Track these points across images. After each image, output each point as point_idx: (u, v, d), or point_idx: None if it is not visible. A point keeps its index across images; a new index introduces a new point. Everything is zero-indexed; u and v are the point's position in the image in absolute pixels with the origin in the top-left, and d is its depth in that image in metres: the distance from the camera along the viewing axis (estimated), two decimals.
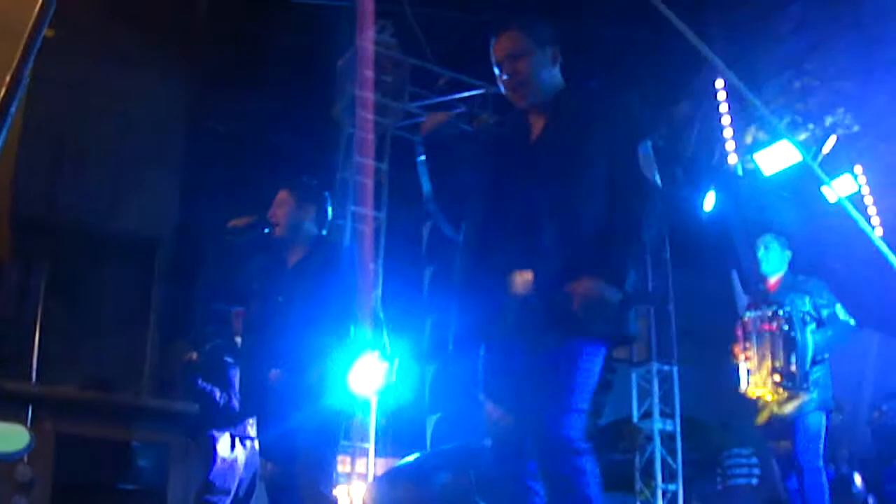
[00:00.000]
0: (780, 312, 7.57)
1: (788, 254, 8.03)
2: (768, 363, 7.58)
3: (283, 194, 5.55)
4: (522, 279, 3.88)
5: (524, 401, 3.87)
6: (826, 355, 7.65)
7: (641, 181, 3.79)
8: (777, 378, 7.53)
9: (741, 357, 7.79)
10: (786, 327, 7.50)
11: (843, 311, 7.71)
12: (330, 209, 5.79)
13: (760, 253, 7.99)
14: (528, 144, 4.05)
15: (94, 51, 16.42)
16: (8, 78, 3.18)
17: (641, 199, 3.81)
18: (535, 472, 3.87)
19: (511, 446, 3.91)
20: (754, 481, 12.79)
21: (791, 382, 7.48)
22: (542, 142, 4.05)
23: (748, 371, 7.74)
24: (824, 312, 7.70)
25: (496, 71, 4.16)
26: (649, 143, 3.91)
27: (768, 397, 7.66)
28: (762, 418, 7.87)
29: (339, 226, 12.36)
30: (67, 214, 16.71)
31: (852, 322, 7.68)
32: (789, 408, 7.58)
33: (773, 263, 7.95)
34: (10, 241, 8.28)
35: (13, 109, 3.12)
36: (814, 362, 7.55)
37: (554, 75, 4.11)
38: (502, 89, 4.18)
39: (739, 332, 7.85)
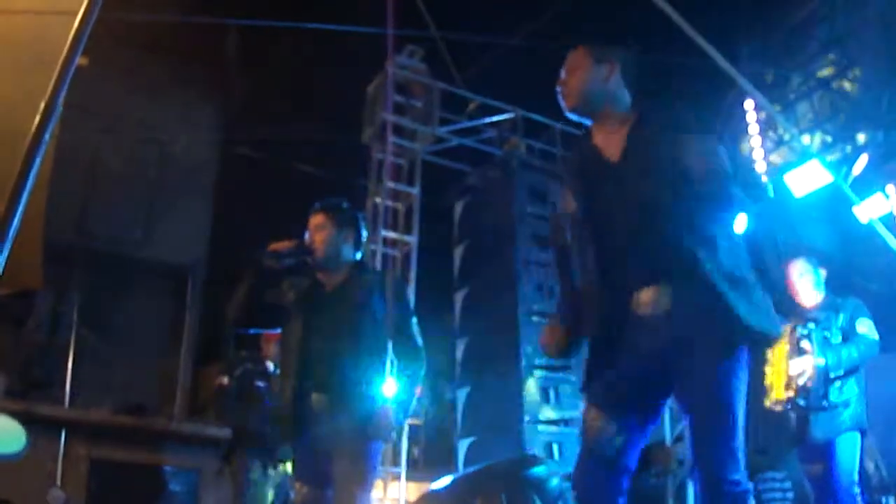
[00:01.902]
0: (802, 330, 7.50)
1: (823, 272, 7.94)
2: (784, 378, 7.52)
3: (318, 218, 5.50)
4: (648, 297, 3.93)
5: (630, 416, 3.96)
6: (853, 372, 7.54)
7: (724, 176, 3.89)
8: (791, 393, 7.48)
9: (767, 373, 7.74)
10: (804, 343, 7.44)
11: (863, 326, 7.57)
12: (365, 231, 5.78)
13: (797, 280, 7.87)
14: (612, 165, 4.13)
15: (127, 80, 16.55)
16: (42, 106, 3.22)
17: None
18: (626, 489, 3.91)
19: (601, 457, 3.91)
20: None
21: (805, 400, 7.42)
22: (625, 160, 4.13)
23: (769, 385, 7.69)
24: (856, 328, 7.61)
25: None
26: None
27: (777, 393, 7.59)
28: (771, 400, 7.76)
29: (370, 250, 12.41)
30: (100, 242, 16.81)
31: (873, 337, 7.55)
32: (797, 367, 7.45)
33: (811, 288, 7.85)
34: (42, 268, 8.32)
35: (47, 136, 3.16)
36: (837, 378, 7.45)
37: (608, 90, 4.24)
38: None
39: (769, 350, 7.80)
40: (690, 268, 3.81)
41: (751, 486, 3.77)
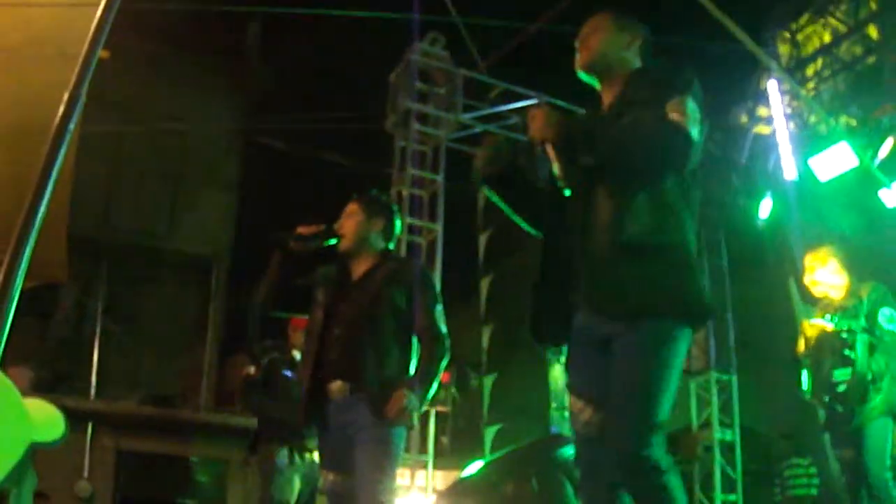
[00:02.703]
0: (845, 335, 7.42)
1: (846, 259, 7.86)
2: (824, 376, 7.46)
3: (352, 206, 5.52)
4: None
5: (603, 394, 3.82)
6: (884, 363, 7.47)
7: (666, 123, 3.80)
8: (827, 398, 7.43)
9: (803, 361, 7.67)
10: (848, 352, 7.36)
11: (884, 318, 7.48)
12: (398, 223, 5.77)
13: (822, 269, 7.79)
14: (599, 117, 4.12)
15: (149, 72, 16.58)
16: (65, 98, 3.20)
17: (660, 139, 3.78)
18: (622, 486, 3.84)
19: (596, 442, 3.87)
20: (814, 492, 12.54)
21: (843, 406, 7.37)
22: (608, 114, 4.10)
23: (807, 375, 7.63)
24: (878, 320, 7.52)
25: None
26: (694, 104, 3.91)
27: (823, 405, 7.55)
28: (810, 396, 7.71)
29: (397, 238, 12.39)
30: (124, 234, 16.88)
31: (892, 331, 7.45)
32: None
33: (836, 275, 7.77)
34: (68, 261, 8.32)
35: (71, 127, 3.15)
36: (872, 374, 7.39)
37: (624, 57, 4.20)
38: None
39: (802, 336, 7.74)
40: (599, 241, 3.77)
41: (668, 463, 3.64)
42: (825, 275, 7.69)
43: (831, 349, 7.43)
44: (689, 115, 3.73)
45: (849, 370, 7.31)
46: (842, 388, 7.32)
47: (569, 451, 9.28)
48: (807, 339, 7.65)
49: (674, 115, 3.73)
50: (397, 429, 5.14)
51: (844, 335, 7.37)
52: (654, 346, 3.69)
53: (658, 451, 3.62)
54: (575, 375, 4.03)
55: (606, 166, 3.84)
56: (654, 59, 4.25)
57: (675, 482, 3.66)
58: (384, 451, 5.09)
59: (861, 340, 7.30)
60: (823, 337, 7.52)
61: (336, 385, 5.16)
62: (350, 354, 5.15)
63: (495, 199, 4.31)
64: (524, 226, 4.36)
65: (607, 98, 4.18)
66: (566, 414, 12.57)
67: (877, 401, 7.25)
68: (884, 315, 7.33)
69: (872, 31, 12.68)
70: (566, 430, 12.46)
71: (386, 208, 5.69)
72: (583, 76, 4.27)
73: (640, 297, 3.68)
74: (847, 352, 7.33)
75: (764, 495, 13.52)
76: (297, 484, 8.43)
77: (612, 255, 3.72)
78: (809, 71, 13.54)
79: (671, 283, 3.72)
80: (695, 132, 3.72)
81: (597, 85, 4.25)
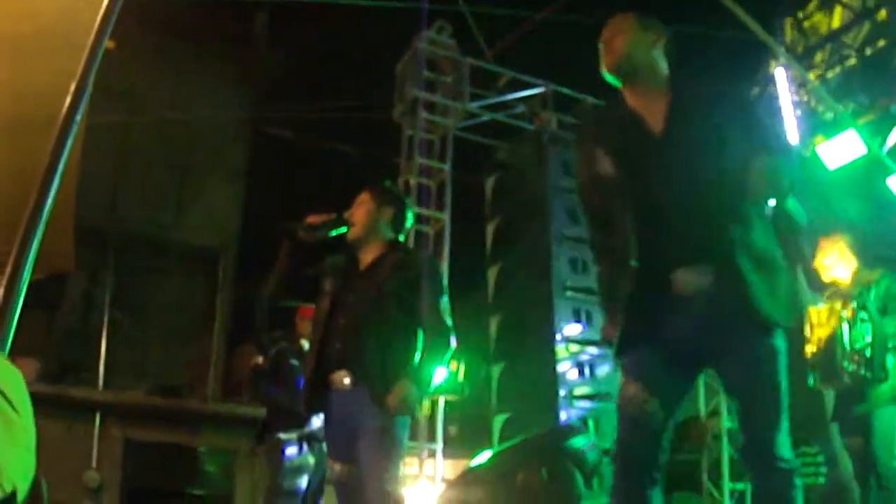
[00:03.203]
0: (853, 303, 7.43)
1: (856, 249, 7.87)
2: (839, 350, 7.46)
3: (363, 195, 5.52)
4: (688, 276, 3.93)
5: (673, 395, 4.00)
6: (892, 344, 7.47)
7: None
8: (854, 366, 7.41)
9: (808, 348, 7.68)
10: (862, 314, 7.37)
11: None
12: (410, 215, 5.76)
13: (832, 255, 7.81)
14: (655, 137, 4.11)
15: (155, 62, 16.57)
16: (72, 87, 3.19)
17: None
18: (657, 480, 3.91)
19: (645, 429, 3.93)
20: (822, 480, 12.51)
21: (870, 370, 7.35)
22: (669, 133, 4.11)
23: (814, 362, 7.63)
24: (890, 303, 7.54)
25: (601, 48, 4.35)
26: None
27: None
28: (813, 346, 7.70)
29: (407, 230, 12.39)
30: (131, 225, 16.88)
31: None
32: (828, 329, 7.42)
33: (845, 262, 7.79)
34: (74, 252, 8.31)
35: (78, 118, 3.13)
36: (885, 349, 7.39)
37: (651, 57, 4.24)
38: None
39: (808, 323, 7.75)
40: (728, 248, 3.83)
41: (798, 464, 3.84)
42: (834, 260, 7.70)
43: (841, 319, 7.44)
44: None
45: (867, 328, 7.32)
46: (868, 351, 7.32)
47: (579, 442, 9.27)
48: (812, 326, 7.65)
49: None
50: (401, 418, 5.14)
51: (854, 303, 7.39)
52: (782, 353, 3.90)
53: (791, 453, 3.84)
54: (646, 368, 4.03)
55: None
56: (681, 67, 4.30)
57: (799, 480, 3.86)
58: (388, 441, 5.09)
59: (871, 305, 7.33)
60: (832, 315, 7.52)
61: (339, 375, 5.17)
62: (354, 344, 5.15)
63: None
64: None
65: (644, 105, 4.19)
66: (574, 402, 12.59)
67: (884, 388, 7.26)
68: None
69: (881, 17, 12.63)
70: (573, 419, 12.46)
71: (397, 199, 5.69)
72: (608, 77, 4.29)
73: (776, 309, 3.86)
74: (862, 314, 7.34)
75: None
76: (306, 472, 8.43)
77: (747, 266, 3.84)
78: (817, 58, 13.50)
79: (790, 294, 3.97)
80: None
81: (619, 85, 4.27)
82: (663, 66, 4.26)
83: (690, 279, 3.92)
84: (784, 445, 3.80)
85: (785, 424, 3.83)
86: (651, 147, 4.09)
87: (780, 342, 3.87)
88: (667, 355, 3.96)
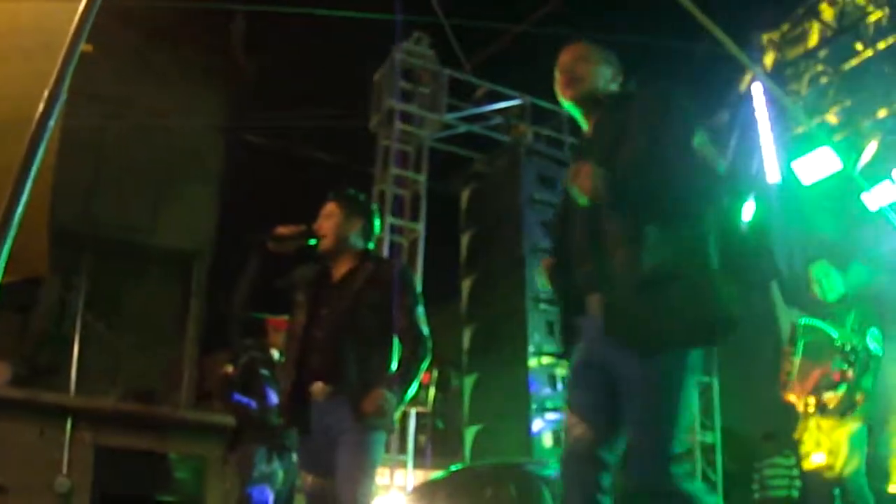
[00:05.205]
0: (848, 354, 7.52)
1: (843, 273, 7.96)
2: (814, 380, 7.54)
3: (330, 206, 5.50)
4: (593, 301, 3.92)
5: (602, 417, 3.89)
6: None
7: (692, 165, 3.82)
8: (813, 402, 7.51)
9: (787, 360, 7.75)
10: (848, 373, 7.46)
11: (873, 340, 7.58)
12: (377, 223, 5.75)
13: (822, 282, 7.87)
14: (581, 147, 4.14)
15: (133, 67, 16.53)
16: (46, 93, 3.18)
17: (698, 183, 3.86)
18: (608, 487, 3.86)
19: (584, 457, 3.91)
20: (795, 493, 12.48)
21: (822, 412, 7.46)
22: (588, 146, 4.14)
23: (789, 375, 7.70)
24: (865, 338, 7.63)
25: (557, 76, 4.26)
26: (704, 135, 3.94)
27: (803, 407, 7.63)
28: (801, 433, 7.79)
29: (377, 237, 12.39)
30: (106, 229, 16.83)
31: (879, 353, 7.54)
32: (827, 421, 7.51)
33: (836, 289, 7.86)
34: (49, 255, 8.29)
35: (52, 123, 3.12)
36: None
37: (609, 91, 4.22)
38: (557, 88, 4.26)
39: (793, 330, 7.86)
40: (618, 270, 3.76)
41: (684, 488, 3.67)
42: (828, 278, 7.82)
43: (829, 357, 7.53)
44: (710, 155, 3.83)
45: (844, 386, 7.41)
46: (832, 404, 7.43)
47: (548, 470, 9.25)
48: (795, 335, 7.75)
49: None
50: (378, 433, 5.14)
51: (847, 349, 7.48)
52: (672, 377, 3.72)
53: (678, 481, 3.66)
54: (576, 395, 4.04)
55: (637, 212, 3.82)
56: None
57: None
58: (365, 454, 5.08)
59: (860, 361, 7.43)
60: (822, 341, 7.62)
61: (318, 387, 5.16)
62: (332, 357, 5.14)
63: None
64: None
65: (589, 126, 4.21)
66: (546, 415, 12.59)
67: (854, 410, 7.36)
68: (872, 335, 7.46)
69: (857, 36, 12.71)
70: (545, 431, 12.46)
71: (364, 207, 5.67)
72: (568, 105, 4.25)
73: (660, 332, 3.70)
74: (846, 367, 7.43)
75: (743, 495, 13.54)
76: (275, 483, 8.42)
77: (631, 288, 3.72)
78: (794, 74, 13.57)
79: (690, 311, 3.73)
80: (721, 168, 3.80)
81: (577, 114, 4.26)
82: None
83: (593, 302, 3.92)
84: (670, 474, 3.65)
85: (664, 453, 3.67)
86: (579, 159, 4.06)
87: (670, 365, 3.72)
88: (595, 389, 3.93)
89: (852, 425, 7.40)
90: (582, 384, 4.00)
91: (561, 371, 12.79)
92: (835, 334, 7.55)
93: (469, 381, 13.74)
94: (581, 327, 4.04)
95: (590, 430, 3.88)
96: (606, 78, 4.20)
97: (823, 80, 13.11)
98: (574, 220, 4.04)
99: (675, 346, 3.73)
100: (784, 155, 12.96)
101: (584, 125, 4.24)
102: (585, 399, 3.96)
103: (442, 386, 13.34)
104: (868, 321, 7.57)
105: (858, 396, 7.37)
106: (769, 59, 13.48)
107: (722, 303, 3.79)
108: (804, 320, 7.78)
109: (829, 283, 7.83)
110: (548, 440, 12.31)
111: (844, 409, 7.38)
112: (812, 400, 7.56)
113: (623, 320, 3.74)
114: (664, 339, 3.70)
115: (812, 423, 7.61)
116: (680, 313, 3.70)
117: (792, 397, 7.72)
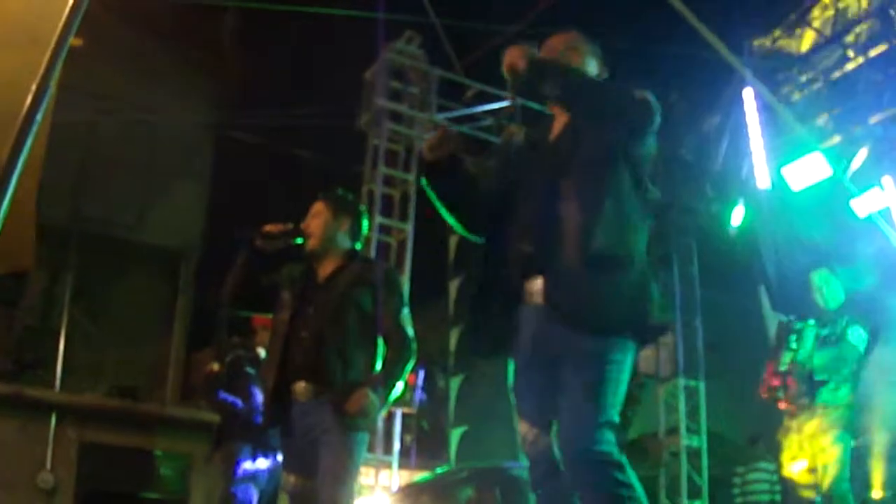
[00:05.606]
0: (797, 324, 7.65)
1: (841, 281, 8.00)
2: (774, 368, 7.68)
3: (318, 205, 5.49)
4: (536, 285, 3.87)
5: (550, 417, 3.84)
6: (847, 379, 7.55)
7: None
8: (776, 383, 7.59)
9: (773, 362, 7.85)
10: (793, 341, 7.58)
11: (853, 334, 7.62)
12: (365, 223, 5.74)
13: (823, 290, 7.90)
14: (546, 146, 4.12)
15: (122, 62, 16.48)
16: (34, 86, 3.15)
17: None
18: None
19: (546, 464, 3.88)
20: (777, 498, 12.44)
21: (784, 393, 7.54)
22: (556, 140, 4.13)
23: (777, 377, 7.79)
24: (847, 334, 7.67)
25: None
26: (651, 141, 3.93)
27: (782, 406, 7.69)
28: (784, 437, 7.82)
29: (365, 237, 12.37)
30: (93, 224, 16.77)
31: (858, 348, 7.58)
32: (809, 427, 7.53)
33: (837, 297, 7.90)
34: (35, 250, 8.26)
35: (39, 117, 3.09)
36: (825, 381, 7.49)
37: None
38: None
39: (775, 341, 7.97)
40: (566, 251, 3.76)
41: (613, 455, 3.64)
42: (829, 286, 7.86)
43: (787, 349, 7.65)
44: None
45: (789, 355, 7.54)
46: (787, 376, 7.54)
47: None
48: (782, 339, 7.86)
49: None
50: (360, 433, 5.13)
51: (797, 327, 7.60)
52: (606, 359, 3.71)
53: (608, 447, 3.62)
54: (522, 401, 4.01)
55: (572, 103, 3.96)
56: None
57: (628, 477, 3.65)
58: (347, 455, 5.07)
59: (809, 332, 7.54)
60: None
61: (300, 387, 5.14)
62: (315, 357, 5.12)
63: (431, 193, 4.23)
64: (456, 226, 4.32)
65: (557, 123, 4.19)
66: None
67: (834, 416, 7.40)
68: (854, 332, 7.50)
69: (848, 43, 12.71)
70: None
71: (352, 207, 5.66)
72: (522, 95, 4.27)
73: (607, 314, 3.72)
74: (793, 341, 7.57)
75: (728, 499, 13.54)
76: (259, 482, 8.39)
77: (581, 265, 3.71)
78: (785, 80, 13.57)
79: (631, 302, 3.76)
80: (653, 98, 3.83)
81: (539, 104, 4.29)
82: None
83: (536, 287, 3.87)
84: (600, 440, 3.62)
85: (597, 418, 3.65)
86: (541, 153, 4.13)
87: (606, 348, 3.72)
88: (533, 383, 3.92)
89: (834, 432, 7.42)
90: (525, 390, 3.98)
91: None
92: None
93: (455, 383, 13.73)
94: (513, 326, 3.99)
95: (543, 433, 3.87)
96: (592, 70, 4.21)
97: (814, 86, 13.10)
98: (520, 197, 4.05)
99: (615, 332, 3.75)
100: (774, 160, 12.95)
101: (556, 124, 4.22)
102: (530, 403, 3.94)
103: (428, 387, 13.31)
104: (853, 321, 7.63)
105: (808, 369, 7.47)
106: (761, 65, 13.46)
107: (651, 306, 3.82)
108: (797, 325, 7.83)
109: (829, 291, 7.87)
110: None
111: (801, 394, 7.45)
112: (776, 384, 7.65)
113: (570, 296, 3.74)
114: (606, 323, 3.72)
115: (794, 424, 7.65)
116: (623, 301, 3.74)
117: (765, 395, 7.80)
